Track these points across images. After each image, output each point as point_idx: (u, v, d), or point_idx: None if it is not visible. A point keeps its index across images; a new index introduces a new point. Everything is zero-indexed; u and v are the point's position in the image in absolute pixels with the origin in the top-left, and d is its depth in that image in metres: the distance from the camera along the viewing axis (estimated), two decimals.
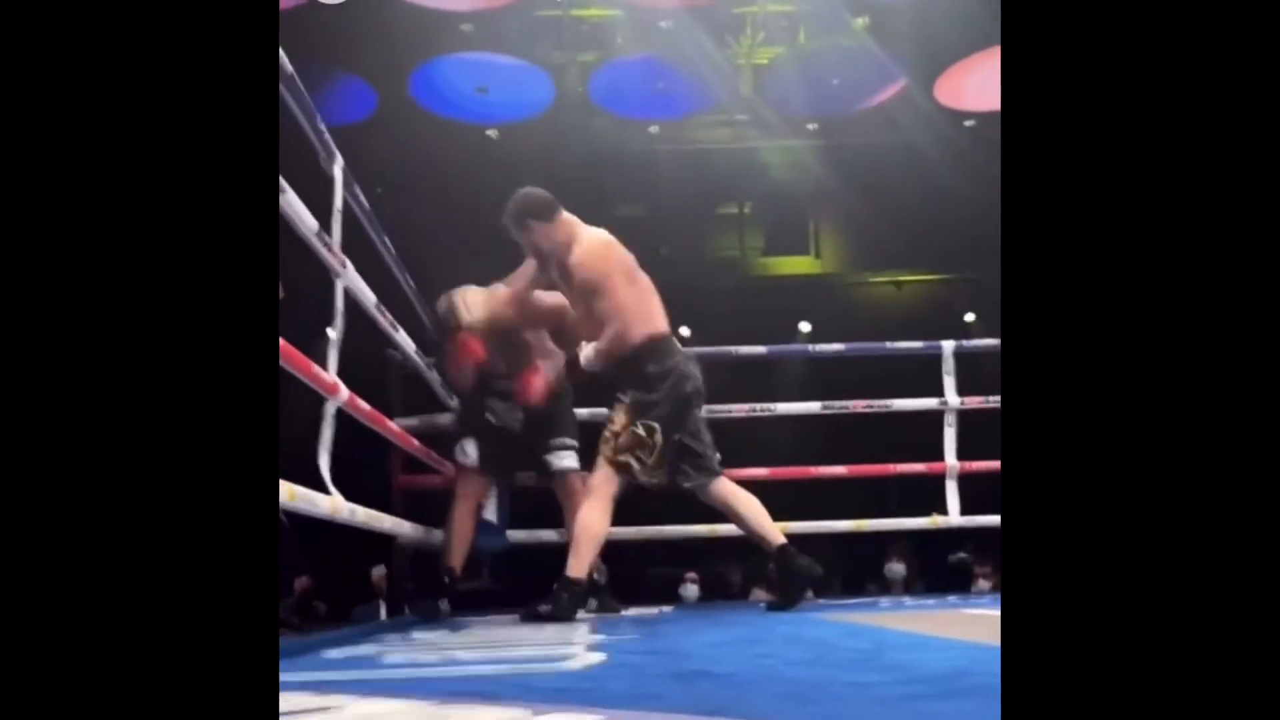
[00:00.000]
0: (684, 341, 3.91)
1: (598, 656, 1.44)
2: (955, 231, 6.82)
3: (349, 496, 2.12)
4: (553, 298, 2.92)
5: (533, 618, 2.47)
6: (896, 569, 5.82)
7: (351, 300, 2.31)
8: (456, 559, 3.06)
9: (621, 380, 2.64)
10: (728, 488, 2.77)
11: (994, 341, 3.49)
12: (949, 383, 3.69)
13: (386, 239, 2.84)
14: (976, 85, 6.16)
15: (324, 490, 1.97)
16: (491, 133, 6.91)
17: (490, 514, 3.21)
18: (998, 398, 3.26)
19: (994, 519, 3.54)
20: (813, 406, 3.87)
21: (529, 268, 2.83)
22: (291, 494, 1.71)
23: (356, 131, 6.18)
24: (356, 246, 2.59)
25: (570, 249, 2.65)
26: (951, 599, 3.37)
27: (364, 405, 2.32)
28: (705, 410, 3.55)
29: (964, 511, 3.67)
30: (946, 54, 6.19)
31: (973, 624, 2.06)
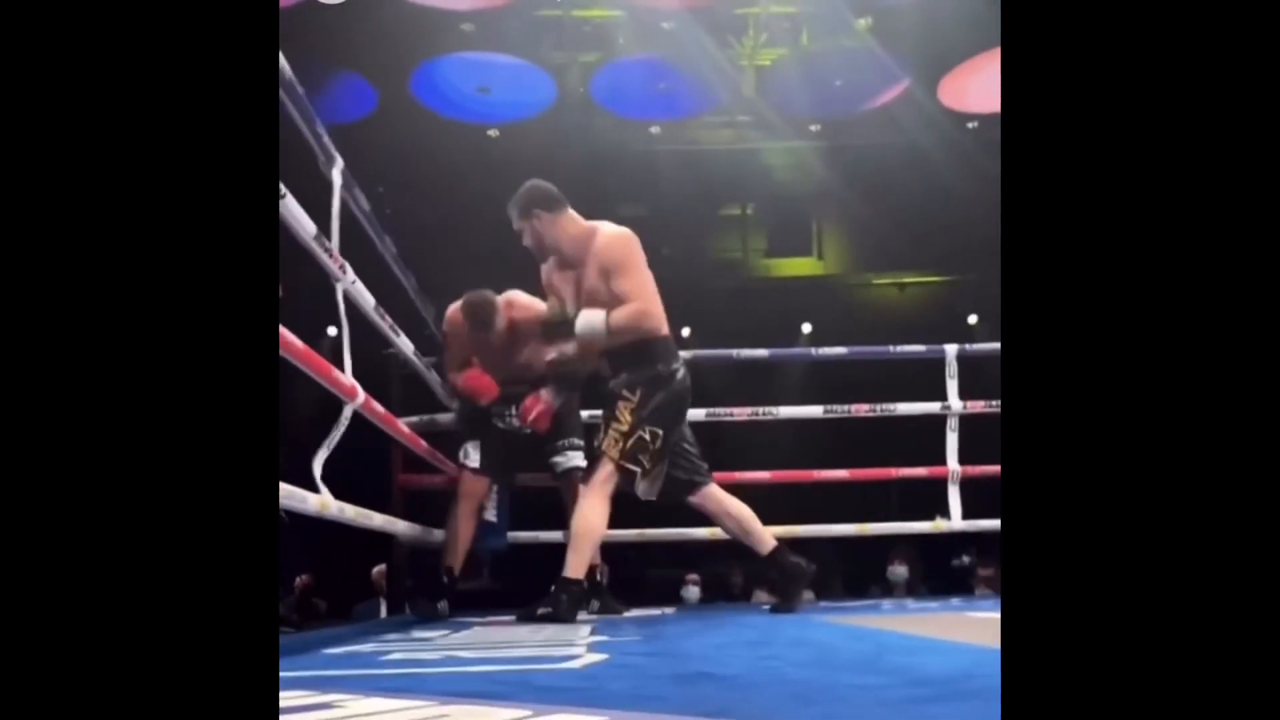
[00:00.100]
0: (684, 343, 3.91)
1: (599, 657, 1.43)
2: (958, 233, 6.82)
3: (350, 496, 2.12)
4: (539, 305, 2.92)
5: (531, 619, 2.46)
6: (899, 572, 5.82)
7: (351, 302, 2.31)
8: (456, 560, 3.06)
9: (629, 378, 2.60)
10: (718, 494, 2.76)
11: (997, 345, 3.48)
12: (952, 386, 3.68)
13: (388, 239, 2.84)
14: (980, 86, 6.16)
15: (313, 488, 1.96)
16: (492, 132, 6.91)
17: (491, 514, 3.21)
18: (1000, 402, 3.25)
19: (997, 523, 3.53)
20: (815, 410, 3.87)
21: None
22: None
23: (357, 130, 6.19)
24: (357, 247, 2.59)
25: (593, 236, 2.63)
26: (954, 602, 3.37)
27: (379, 407, 2.33)
28: (706, 413, 3.56)
29: (966, 515, 3.67)
30: (950, 55, 6.19)
31: (975, 627, 2.05)
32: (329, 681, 1.21)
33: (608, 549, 3.33)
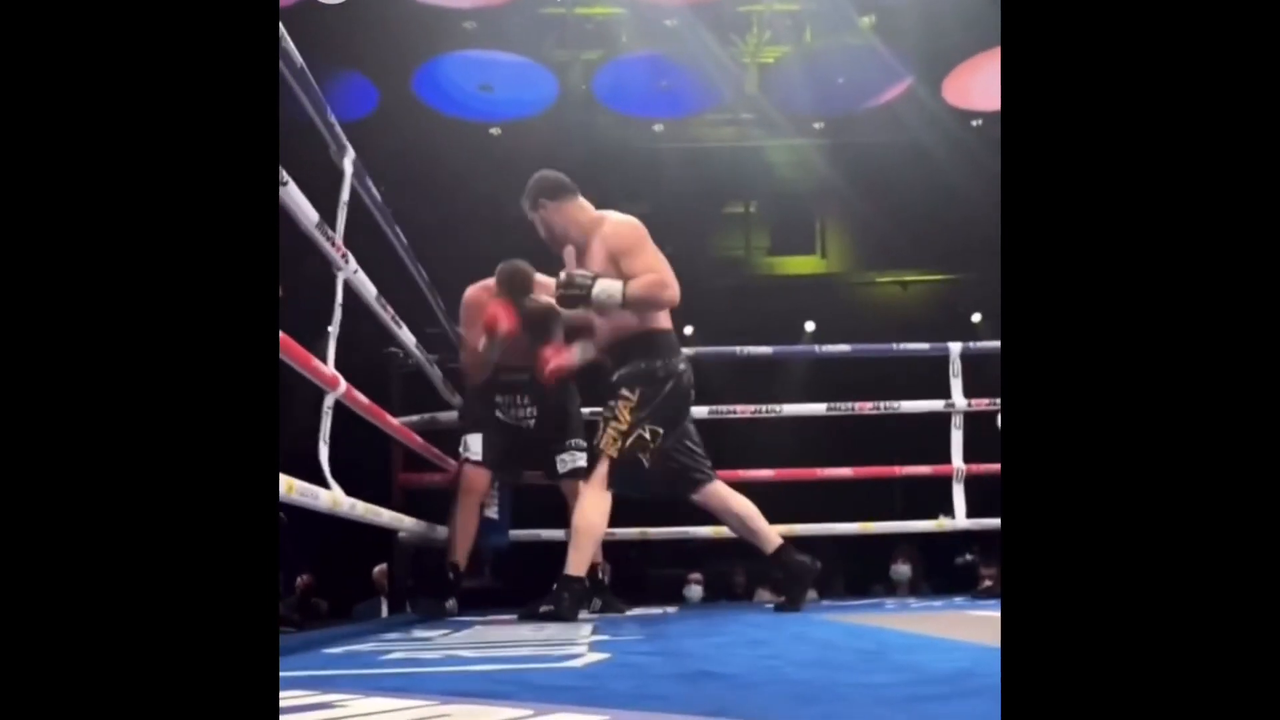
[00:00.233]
0: (687, 341, 3.90)
1: (601, 656, 1.43)
2: (962, 231, 6.80)
3: (350, 494, 2.11)
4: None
5: (533, 617, 2.45)
6: (902, 570, 5.81)
7: (357, 296, 2.31)
8: (461, 556, 3.04)
9: (629, 375, 2.59)
10: (723, 492, 2.74)
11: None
12: (956, 384, 3.68)
13: (399, 232, 2.83)
14: (983, 84, 6.15)
15: (324, 485, 1.96)
16: (494, 131, 6.90)
17: (493, 512, 3.21)
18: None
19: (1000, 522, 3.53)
20: (818, 408, 3.86)
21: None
22: (290, 487, 1.70)
23: (358, 129, 6.16)
24: (371, 240, 2.59)
25: (600, 224, 2.63)
26: (957, 600, 3.36)
27: (362, 398, 2.31)
28: (709, 411, 3.55)
29: (971, 514, 3.67)
30: (953, 53, 6.18)
31: (977, 625, 2.05)
32: (329, 681, 1.20)
33: (610, 548, 3.33)
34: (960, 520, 3.69)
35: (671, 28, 6.09)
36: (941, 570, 5.99)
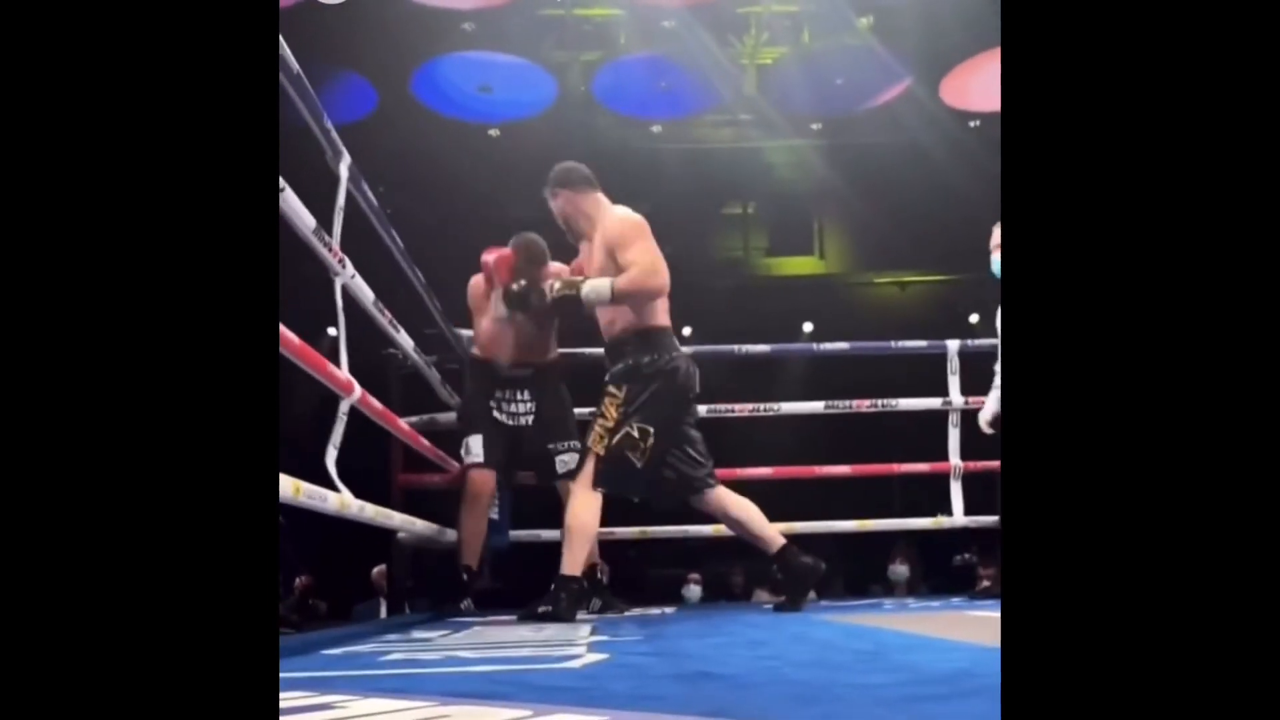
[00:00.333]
0: (685, 341, 3.91)
1: (599, 656, 1.43)
2: (960, 232, 6.79)
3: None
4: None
5: (531, 618, 2.45)
6: (900, 570, 5.82)
7: (351, 297, 2.31)
8: (473, 558, 3.08)
9: (618, 372, 2.58)
10: (724, 495, 2.72)
11: (999, 342, 3.48)
12: (954, 382, 3.68)
13: (395, 235, 2.83)
14: (982, 85, 6.15)
15: (331, 487, 1.96)
16: (493, 132, 6.90)
17: (493, 512, 3.21)
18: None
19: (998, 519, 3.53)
20: (816, 406, 3.87)
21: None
22: (297, 489, 1.70)
23: (357, 130, 6.17)
24: (367, 244, 2.59)
25: (603, 216, 2.66)
26: (955, 601, 3.37)
27: (376, 403, 2.32)
28: (708, 409, 3.54)
29: (969, 512, 3.67)
30: (951, 54, 6.18)
31: (976, 626, 2.05)
32: (329, 682, 1.21)
33: (609, 548, 3.33)
34: (958, 518, 3.69)
35: (670, 29, 6.09)
36: (939, 570, 6.00)
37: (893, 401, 3.82)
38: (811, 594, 2.68)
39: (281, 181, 1.70)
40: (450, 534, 3.17)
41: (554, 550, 2.88)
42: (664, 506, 2.73)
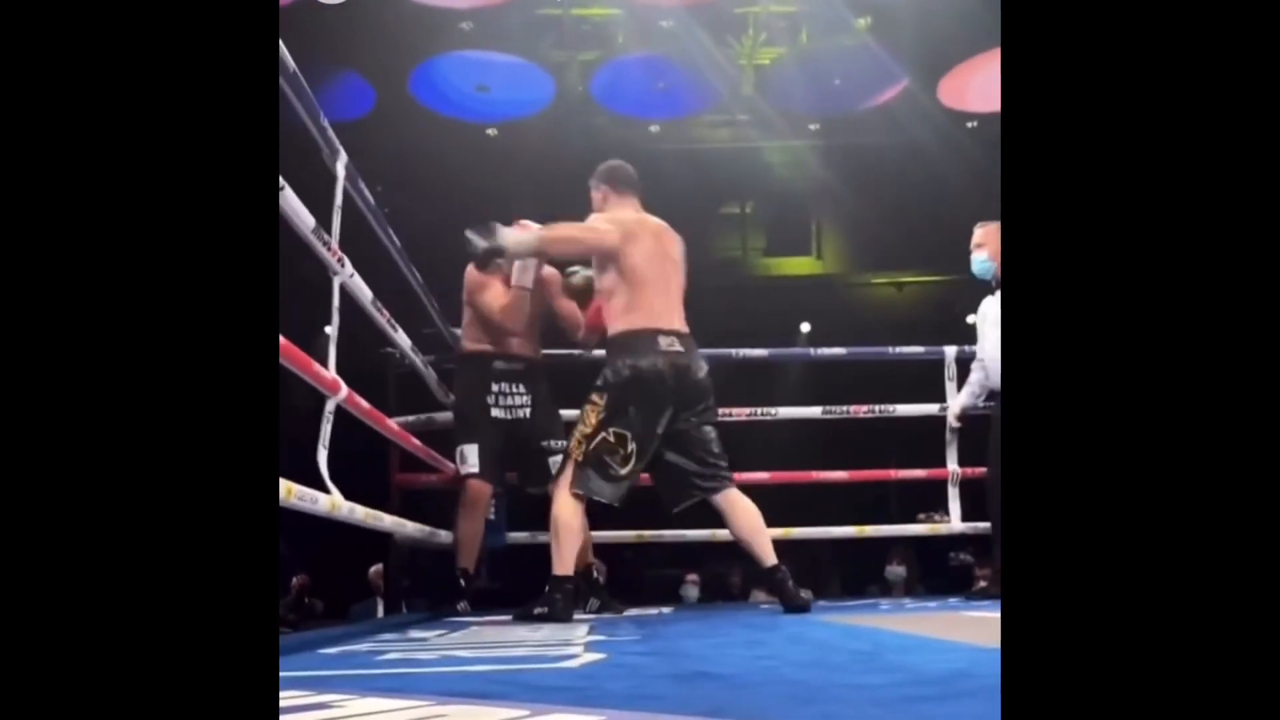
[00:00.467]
0: None
1: (597, 656, 1.43)
2: (957, 232, 6.78)
3: (347, 495, 2.11)
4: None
5: (527, 618, 2.46)
6: (897, 571, 5.82)
7: (353, 299, 2.31)
8: (471, 561, 3.10)
9: (600, 376, 2.61)
10: (732, 497, 2.67)
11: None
12: (951, 388, 3.69)
13: (393, 234, 2.83)
14: (979, 86, 6.16)
15: (323, 489, 1.96)
16: (491, 131, 6.89)
17: (490, 513, 3.22)
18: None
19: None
20: (814, 411, 3.87)
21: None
22: (290, 491, 1.70)
23: (355, 129, 6.17)
24: (365, 244, 2.59)
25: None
26: (952, 601, 3.37)
27: (363, 403, 2.31)
28: None
29: (966, 517, 3.67)
30: (949, 55, 6.18)
31: (973, 626, 2.05)
32: (326, 681, 1.20)
33: (606, 549, 3.33)
34: (955, 523, 3.69)
35: (668, 29, 6.09)
36: (936, 571, 6.00)
37: (890, 407, 3.83)
38: (808, 594, 2.66)
39: (280, 180, 1.70)
40: (442, 535, 3.17)
41: (550, 551, 2.88)
42: (676, 508, 2.72)
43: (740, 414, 3.76)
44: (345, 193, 2.23)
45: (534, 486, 3.22)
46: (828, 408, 3.83)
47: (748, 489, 2.81)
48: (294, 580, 5.59)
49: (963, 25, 5.68)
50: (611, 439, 2.52)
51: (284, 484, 1.66)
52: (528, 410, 3.14)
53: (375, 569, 4.85)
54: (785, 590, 2.59)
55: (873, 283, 8.29)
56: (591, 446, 2.53)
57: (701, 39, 6.12)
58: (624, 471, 2.54)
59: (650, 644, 1.72)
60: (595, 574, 3.09)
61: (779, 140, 7.26)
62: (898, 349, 3.90)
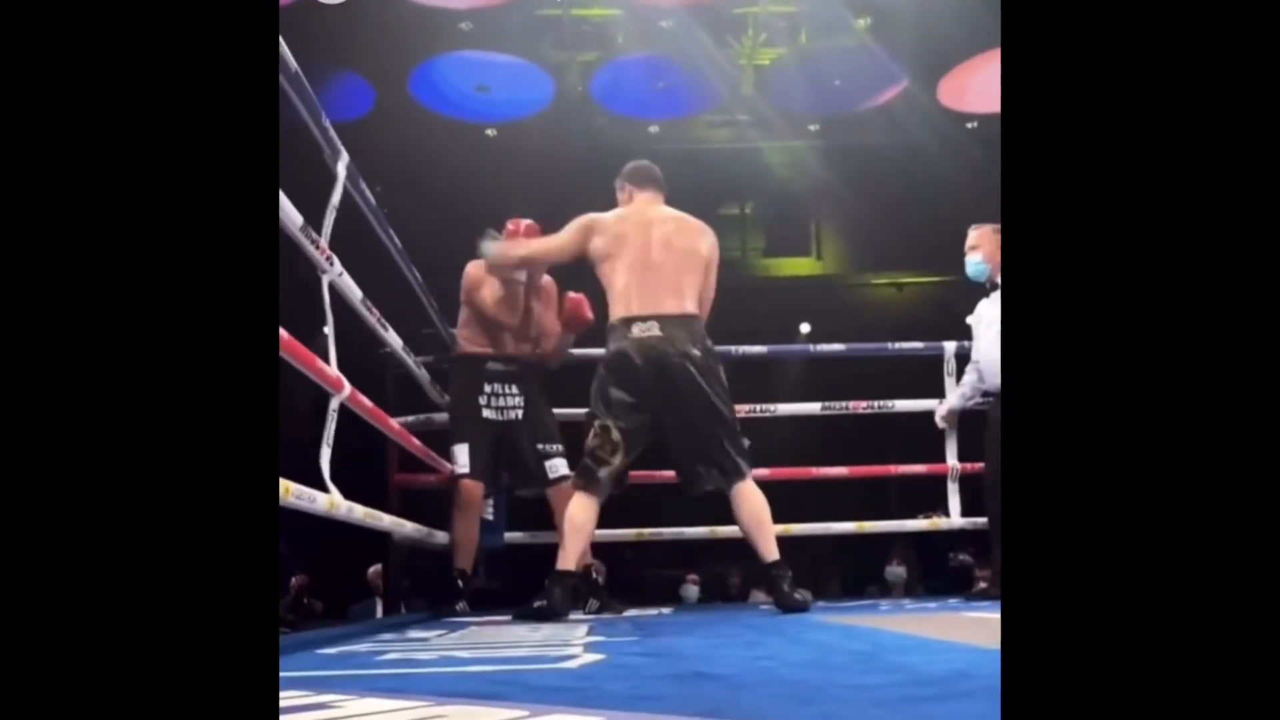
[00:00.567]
0: None
1: (596, 657, 1.43)
2: (957, 233, 6.79)
3: (346, 495, 2.11)
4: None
5: (527, 615, 2.47)
6: (897, 571, 5.82)
7: (339, 295, 2.30)
8: (467, 562, 3.11)
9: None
10: (744, 488, 2.64)
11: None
12: (951, 384, 3.68)
13: (393, 234, 2.83)
14: (979, 86, 6.16)
15: (322, 488, 1.96)
16: (491, 131, 6.90)
17: (488, 513, 3.22)
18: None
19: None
20: (813, 407, 3.87)
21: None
22: (287, 490, 1.70)
23: (355, 129, 6.17)
24: (366, 242, 2.59)
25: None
26: (952, 601, 3.37)
27: (366, 402, 2.32)
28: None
29: (965, 513, 3.67)
30: (949, 55, 6.18)
31: (972, 627, 2.05)
32: (325, 682, 1.20)
33: (606, 548, 3.33)
34: (955, 519, 3.69)
35: (668, 29, 6.09)
36: (936, 572, 6.00)
37: (889, 403, 3.82)
38: (808, 594, 2.64)
39: None
40: (440, 535, 3.17)
41: (548, 551, 2.89)
42: (697, 497, 2.72)
43: (740, 411, 3.76)
44: (345, 193, 2.23)
45: (525, 489, 3.22)
46: (827, 404, 3.83)
47: None
48: (293, 580, 5.58)
49: (963, 25, 5.68)
50: (598, 430, 2.56)
51: (282, 483, 1.66)
52: (520, 411, 3.14)
53: (374, 569, 4.85)
54: (779, 589, 2.57)
55: (872, 283, 8.29)
56: (587, 442, 2.59)
57: (701, 39, 6.12)
58: (614, 462, 2.55)
59: (649, 644, 1.72)
60: (595, 574, 3.09)
61: (779, 140, 7.27)
62: (897, 345, 3.90)
